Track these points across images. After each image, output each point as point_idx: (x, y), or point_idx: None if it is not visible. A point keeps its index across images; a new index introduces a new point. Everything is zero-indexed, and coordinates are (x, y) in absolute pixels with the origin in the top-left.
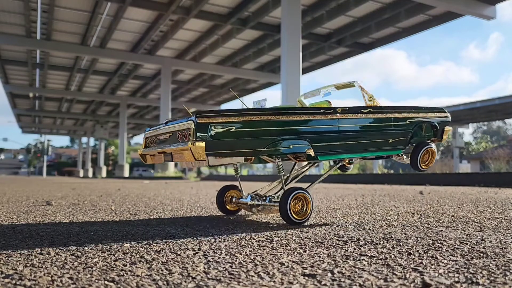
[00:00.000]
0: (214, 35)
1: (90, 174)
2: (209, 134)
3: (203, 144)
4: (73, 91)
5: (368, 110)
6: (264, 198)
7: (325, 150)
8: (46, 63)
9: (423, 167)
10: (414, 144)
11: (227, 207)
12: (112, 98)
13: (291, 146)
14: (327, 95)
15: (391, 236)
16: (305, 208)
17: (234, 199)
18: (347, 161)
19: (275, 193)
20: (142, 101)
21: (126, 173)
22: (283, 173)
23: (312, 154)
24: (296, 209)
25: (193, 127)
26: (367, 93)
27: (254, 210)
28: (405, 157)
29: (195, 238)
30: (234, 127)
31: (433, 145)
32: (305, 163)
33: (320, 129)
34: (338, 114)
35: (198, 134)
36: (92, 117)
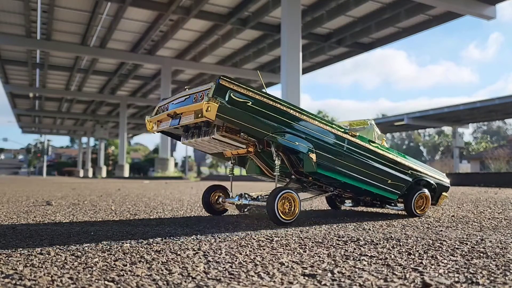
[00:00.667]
0: (214, 35)
1: (90, 174)
2: (226, 99)
3: (217, 104)
4: (73, 91)
5: (376, 145)
6: (252, 198)
7: (325, 161)
8: (46, 63)
9: (419, 212)
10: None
11: (214, 207)
12: (112, 98)
13: (296, 143)
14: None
15: (391, 236)
16: (293, 208)
17: (221, 199)
18: (339, 200)
19: (265, 194)
20: (142, 101)
21: (126, 173)
22: (279, 174)
23: (314, 159)
24: (285, 209)
25: (214, 86)
26: (378, 132)
27: (241, 209)
28: (398, 205)
29: (195, 238)
30: (250, 102)
31: (426, 190)
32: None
33: (328, 140)
34: (348, 135)
35: (216, 94)
36: (92, 117)
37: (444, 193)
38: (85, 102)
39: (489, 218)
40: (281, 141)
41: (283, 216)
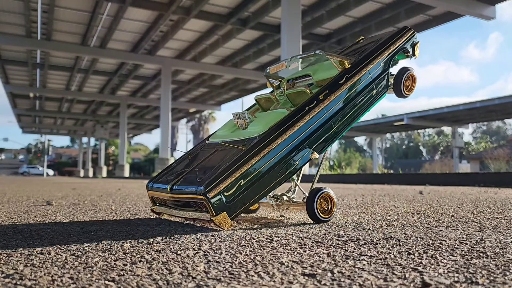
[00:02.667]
0: (214, 35)
1: (91, 174)
2: (224, 200)
3: (224, 213)
4: (73, 91)
5: (344, 78)
6: (284, 197)
7: (324, 144)
8: (46, 63)
9: (407, 93)
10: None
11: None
12: (112, 98)
13: (297, 162)
14: (294, 61)
15: (391, 236)
16: (330, 206)
17: None
18: None
19: (290, 192)
20: (142, 101)
21: (127, 173)
22: (296, 178)
23: (317, 156)
24: (323, 208)
25: (207, 202)
26: (336, 57)
27: (277, 209)
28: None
29: (195, 238)
30: (242, 181)
31: (412, 70)
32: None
33: (313, 128)
34: (322, 103)
35: (214, 206)
36: (92, 117)
37: (416, 44)
38: (86, 102)
39: (488, 218)
40: (290, 175)
41: (322, 215)
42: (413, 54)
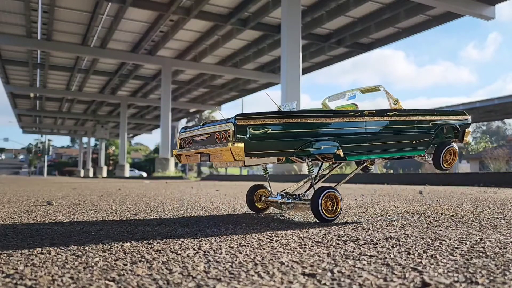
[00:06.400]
0: (214, 36)
1: (91, 174)
2: (248, 135)
3: (242, 145)
4: (73, 91)
5: (393, 113)
6: (294, 196)
7: (353, 150)
8: (46, 63)
9: (446, 166)
10: (436, 145)
11: (257, 205)
12: (113, 98)
13: (322, 147)
14: (352, 98)
15: (391, 235)
16: (335, 206)
17: (263, 198)
18: (369, 161)
19: (305, 192)
20: (142, 101)
21: (127, 173)
22: (313, 173)
23: (342, 154)
24: (328, 207)
25: (233, 128)
26: (392, 97)
27: (284, 207)
28: (427, 157)
29: (195, 237)
30: (270, 129)
31: (454, 145)
32: (329, 163)
33: (349, 130)
34: (365, 117)
35: (238, 135)
36: (92, 117)
37: (467, 130)
38: (86, 102)
39: (488, 218)
40: (308, 154)
41: (326, 214)
42: (462, 139)
